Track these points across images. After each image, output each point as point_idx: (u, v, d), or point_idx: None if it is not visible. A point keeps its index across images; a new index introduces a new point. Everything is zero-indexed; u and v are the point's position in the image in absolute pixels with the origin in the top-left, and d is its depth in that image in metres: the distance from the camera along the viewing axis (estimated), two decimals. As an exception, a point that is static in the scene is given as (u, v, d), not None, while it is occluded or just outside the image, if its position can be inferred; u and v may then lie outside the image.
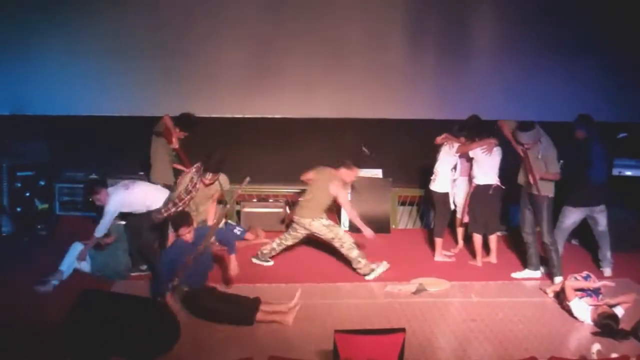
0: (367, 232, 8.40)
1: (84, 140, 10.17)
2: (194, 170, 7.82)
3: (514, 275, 8.64)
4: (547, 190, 8.10)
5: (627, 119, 10.66)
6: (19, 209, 9.72)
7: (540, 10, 10.83)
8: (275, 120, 10.38)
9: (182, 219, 7.26)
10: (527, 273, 8.61)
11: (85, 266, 8.03)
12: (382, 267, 8.45)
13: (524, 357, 5.88)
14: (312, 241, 9.53)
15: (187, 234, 7.20)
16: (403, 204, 10.75)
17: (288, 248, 8.90)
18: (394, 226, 10.55)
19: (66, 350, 6.05)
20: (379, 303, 7.66)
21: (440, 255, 9.19)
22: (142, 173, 9.92)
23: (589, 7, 10.81)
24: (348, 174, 8.59)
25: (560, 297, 7.65)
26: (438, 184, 9.02)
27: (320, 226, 8.48)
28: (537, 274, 8.55)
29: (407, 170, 10.58)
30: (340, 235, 8.48)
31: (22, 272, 8.07)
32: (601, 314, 7.09)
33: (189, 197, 7.71)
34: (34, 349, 6.26)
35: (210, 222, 8.02)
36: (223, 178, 8.04)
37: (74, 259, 7.90)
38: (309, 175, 8.65)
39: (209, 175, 7.72)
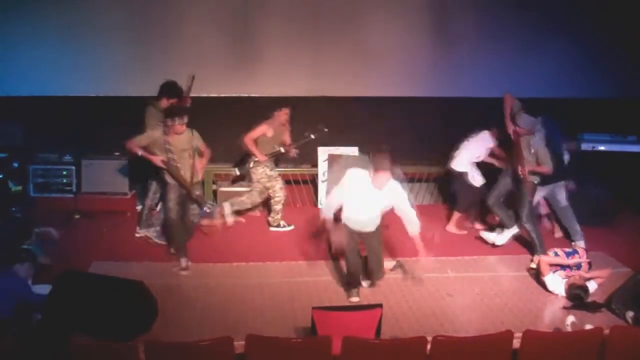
0: None
1: (57, 121, 10.05)
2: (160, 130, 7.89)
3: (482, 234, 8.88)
4: (533, 177, 8.17)
5: (600, 95, 10.75)
6: (-8, 192, 9.62)
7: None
8: (251, 99, 10.30)
9: None
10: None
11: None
12: (287, 227, 9.32)
13: (500, 330, 5.96)
14: (290, 220, 9.53)
15: None
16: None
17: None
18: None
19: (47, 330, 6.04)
20: (356, 280, 7.67)
21: (454, 227, 9.36)
22: (117, 153, 9.85)
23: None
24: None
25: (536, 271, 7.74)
26: (457, 163, 9.19)
27: (263, 173, 9.16)
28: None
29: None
30: (276, 188, 9.23)
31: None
32: (571, 284, 7.18)
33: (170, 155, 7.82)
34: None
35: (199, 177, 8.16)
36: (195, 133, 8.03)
37: None
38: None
39: (175, 121, 7.71)
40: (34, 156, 10.10)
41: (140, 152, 7.83)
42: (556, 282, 7.39)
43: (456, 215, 9.40)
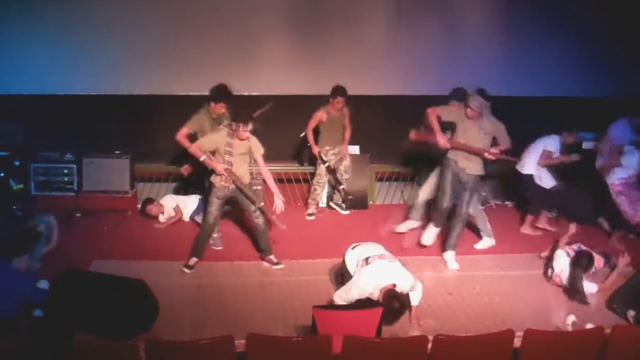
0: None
1: (58, 119, 10.05)
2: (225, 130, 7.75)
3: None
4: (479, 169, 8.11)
5: (602, 94, 10.76)
6: (-7, 190, 9.62)
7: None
8: (252, 97, 10.29)
9: None
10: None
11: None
12: (311, 217, 9.88)
13: (500, 330, 5.95)
14: (290, 219, 9.52)
15: None
16: (381, 179, 10.76)
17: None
18: (372, 202, 10.57)
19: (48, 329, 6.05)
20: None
21: (529, 228, 9.36)
22: (117, 152, 9.86)
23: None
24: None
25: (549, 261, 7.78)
26: (523, 165, 9.16)
27: (318, 164, 9.78)
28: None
29: (385, 146, 10.57)
30: (314, 180, 9.90)
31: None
32: (578, 252, 7.33)
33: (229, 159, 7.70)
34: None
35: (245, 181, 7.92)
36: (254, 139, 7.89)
37: None
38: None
39: (239, 127, 7.57)
40: (35, 154, 10.10)
41: (204, 158, 7.71)
42: (562, 257, 7.46)
43: (529, 217, 9.36)
